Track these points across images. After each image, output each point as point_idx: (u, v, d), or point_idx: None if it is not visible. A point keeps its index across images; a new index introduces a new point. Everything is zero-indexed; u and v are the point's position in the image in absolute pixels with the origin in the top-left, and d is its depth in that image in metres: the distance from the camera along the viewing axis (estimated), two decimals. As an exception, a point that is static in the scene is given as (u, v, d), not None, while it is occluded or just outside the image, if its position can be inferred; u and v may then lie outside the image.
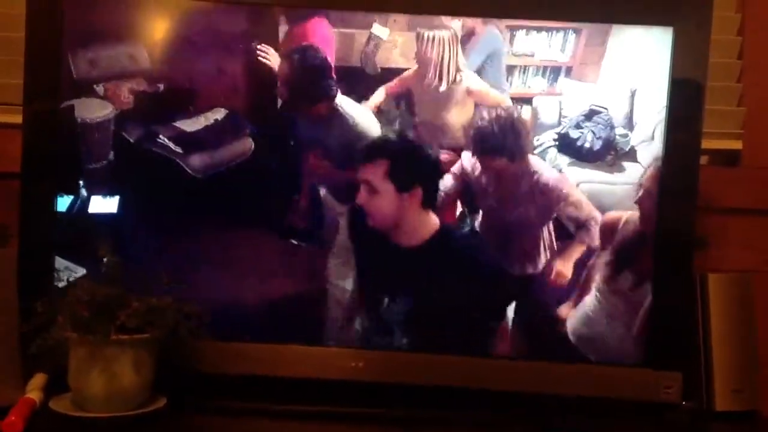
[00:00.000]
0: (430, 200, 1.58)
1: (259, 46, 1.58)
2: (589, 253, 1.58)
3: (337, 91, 1.58)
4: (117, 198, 1.59)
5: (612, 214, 1.57)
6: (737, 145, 1.80)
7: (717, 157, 1.82)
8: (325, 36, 1.59)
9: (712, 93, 1.61)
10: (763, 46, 1.80)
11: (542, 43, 1.60)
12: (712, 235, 1.74)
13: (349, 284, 1.60)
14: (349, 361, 1.55)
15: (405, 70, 1.60)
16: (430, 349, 1.58)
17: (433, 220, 1.58)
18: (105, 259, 1.44)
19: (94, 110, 1.58)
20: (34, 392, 1.43)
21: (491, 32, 1.59)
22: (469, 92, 1.60)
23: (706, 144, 1.62)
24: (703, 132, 1.55)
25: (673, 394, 1.54)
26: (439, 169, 1.59)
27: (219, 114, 1.61)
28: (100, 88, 1.58)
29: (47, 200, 1.55)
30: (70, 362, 1.40)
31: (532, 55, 1.61)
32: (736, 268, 1.71)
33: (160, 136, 1.59)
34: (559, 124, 1.62)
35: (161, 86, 1.60)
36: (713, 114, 1.68)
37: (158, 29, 1.59)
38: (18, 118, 1.57)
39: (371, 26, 1.58)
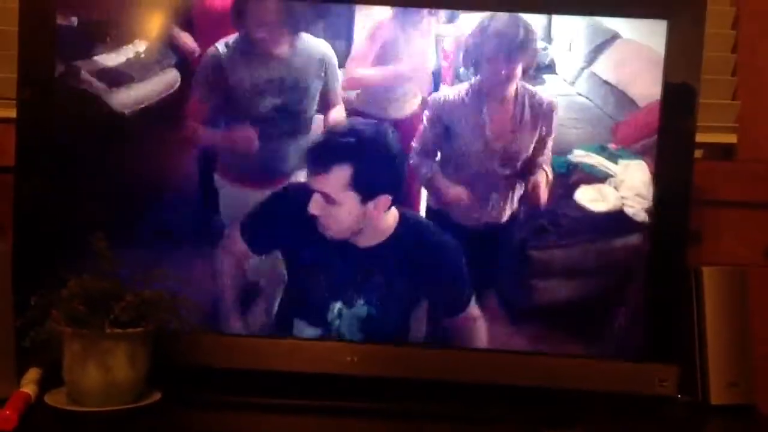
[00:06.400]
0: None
1: None
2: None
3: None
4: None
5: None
6: (732, 138, 1.80)
7: (711, 150, 1.82)
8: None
9: (707, 86, 1.61)
10: (758, 40, 1.80)
11: None
12: (706, 228, 1.74)
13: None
14: (343, 355, 1.55)
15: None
16: (423, 343, 1.58)
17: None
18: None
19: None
20: (28, 386, 1.43)
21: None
22: None
23: (701, 138, 1.62)
24: (697, 126, 1.55)
25: (669, 388, 1.54)
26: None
27: (140, 46, 1.56)
28: None
29: (41, 194, 1.54)
30: (64, 356, 1.40)
31: None
32: (731, 262, 1.70)
33: (82, 71, 1.54)
34: None
35: (75, 19, 1.54)
36: (708, 108, 1.67)
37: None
38: (12, 112, 1.57)
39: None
